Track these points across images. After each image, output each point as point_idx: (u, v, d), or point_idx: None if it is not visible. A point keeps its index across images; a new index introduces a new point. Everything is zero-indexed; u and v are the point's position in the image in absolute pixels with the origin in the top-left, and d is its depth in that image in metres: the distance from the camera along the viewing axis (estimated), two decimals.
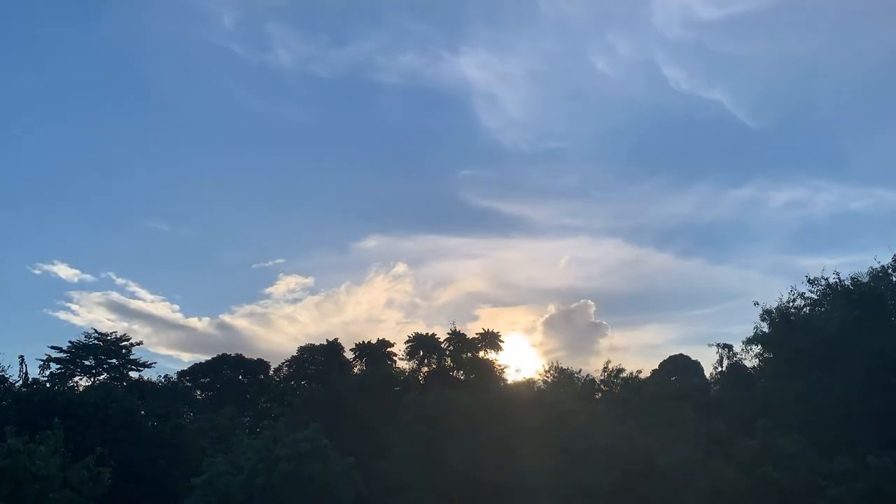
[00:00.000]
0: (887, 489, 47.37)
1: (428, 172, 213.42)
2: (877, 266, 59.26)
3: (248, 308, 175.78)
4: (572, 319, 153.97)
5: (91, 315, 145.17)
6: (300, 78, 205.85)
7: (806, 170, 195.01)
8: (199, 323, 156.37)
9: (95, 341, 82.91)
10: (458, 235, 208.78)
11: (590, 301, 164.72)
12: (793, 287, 62.11)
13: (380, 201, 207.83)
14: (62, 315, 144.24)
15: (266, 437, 52.18)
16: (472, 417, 62.09)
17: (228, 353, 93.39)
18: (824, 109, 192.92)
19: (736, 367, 69.88)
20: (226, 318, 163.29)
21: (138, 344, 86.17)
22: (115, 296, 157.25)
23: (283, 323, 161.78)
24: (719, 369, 71.72)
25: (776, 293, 77.19)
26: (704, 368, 78.24)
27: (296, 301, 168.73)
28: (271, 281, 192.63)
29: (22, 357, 76.00)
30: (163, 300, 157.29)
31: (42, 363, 79.26)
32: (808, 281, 61.25)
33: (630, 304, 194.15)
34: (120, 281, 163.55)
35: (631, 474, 54.39)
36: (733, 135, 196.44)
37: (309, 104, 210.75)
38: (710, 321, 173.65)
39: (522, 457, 57.13)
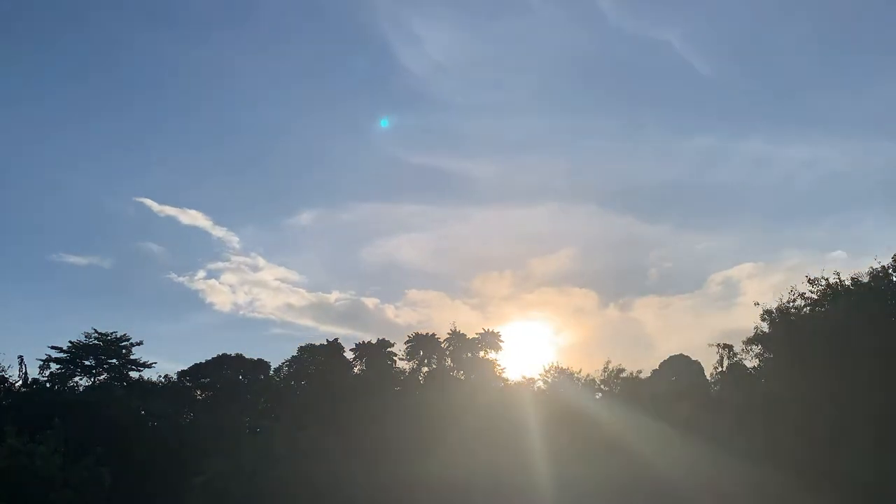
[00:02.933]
0: (887, 489, 47.35)
1: (351, 126, 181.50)
2: (877, 266, 59.25)
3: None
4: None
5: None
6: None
7: (807, 125, 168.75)
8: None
9: (95, 341, 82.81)
10: (402, 202, 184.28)
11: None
12: (793, 287, 62.20)
13: (305, 164, 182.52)
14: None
15: (266, 437, 52.29)
16: (473, 418, 62.13)
17: (228, 353, 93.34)
18: (797, 54, 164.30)
19: (736, 367, 69.86)
20: None
21: (138, 343, 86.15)
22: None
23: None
24: (719, 369, 71.68)
25: (772, 280, 76.73)
26: (704, 368, 78.34)
27: None
28: None
29: (21, 357, 76.27)
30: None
31: (42, 363, 79.35)
32: (809, 281, 61.23)
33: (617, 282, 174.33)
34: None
35: (632, 473, 54.42)
36: (693, 84, 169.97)
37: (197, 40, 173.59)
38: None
39: (523, 456, 57.15)
